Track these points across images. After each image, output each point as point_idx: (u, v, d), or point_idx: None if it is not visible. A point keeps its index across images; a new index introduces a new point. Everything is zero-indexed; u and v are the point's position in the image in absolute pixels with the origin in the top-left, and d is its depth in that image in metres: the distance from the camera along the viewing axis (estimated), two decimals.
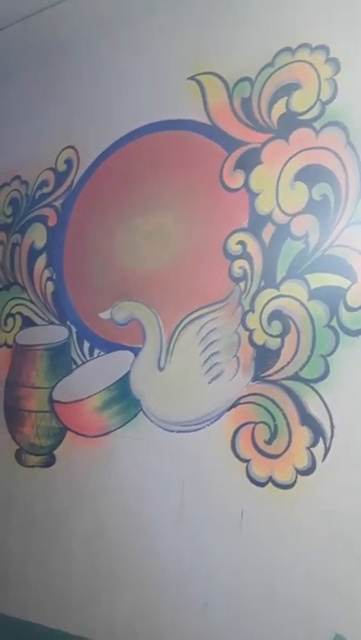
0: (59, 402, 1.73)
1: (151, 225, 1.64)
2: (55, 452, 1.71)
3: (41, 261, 1.87)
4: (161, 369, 1.55)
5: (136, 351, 1.61)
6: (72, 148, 1.86)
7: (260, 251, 1.42)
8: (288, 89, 1.45)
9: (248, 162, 1.48)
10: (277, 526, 1.30)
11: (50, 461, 1.71)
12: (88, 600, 1.57)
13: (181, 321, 1.54)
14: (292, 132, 1.42)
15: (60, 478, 1.68)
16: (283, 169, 1.42)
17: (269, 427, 1.35)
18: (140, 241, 1.65)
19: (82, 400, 1.67)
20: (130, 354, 1.62)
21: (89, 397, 1.66)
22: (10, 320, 1.90)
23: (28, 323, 1.86)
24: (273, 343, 1.37)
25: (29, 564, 1.72)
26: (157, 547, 1.47)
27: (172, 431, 1.50)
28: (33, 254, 1.89)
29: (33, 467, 1.75)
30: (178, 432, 1.49)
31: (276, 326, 1.37)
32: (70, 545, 1.63)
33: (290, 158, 1.42)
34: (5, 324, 1.91)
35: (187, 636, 1.38)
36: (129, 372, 1.61)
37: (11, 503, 1.78)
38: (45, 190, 1.90)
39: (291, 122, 1.43)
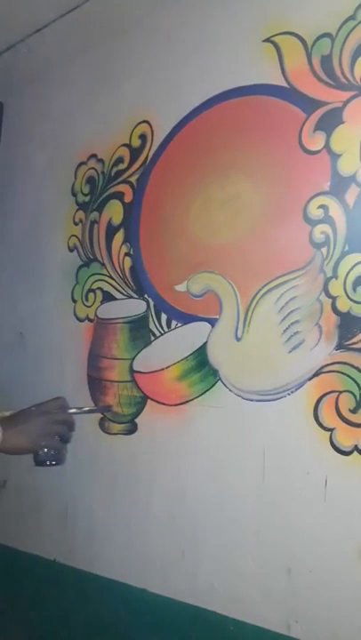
0: (139, 372, 1.78)
1: (227, 194, 1.62)
2: (137, 420, 1.77)
3: (118, 237, 1.92)
4: (238, 339, 1.55)
5: (213, 322, 1.61)
6: (146, 122, 1.87)
7: (344, 214, 1.37)
8: None
9: (329, 122, 1.42)
10: None
11: (132, 429, 1.78)
12: (170, 562, 1.62)
13: (259, 290, 1.52)
14: None
15: (141, 445, 1.74)
16: None
17: (355, 395, 1.31)
18: (216, 211, 1.65)
19: (161, 370, 1.71)
20: (207, 325, 1.63)
21: (168, 367, 1.69)
22: (91, 295, 1.97)
23: (107, 297, 1.92)
24: (359, 310, 1.32)
25: (114, 526, 1.80)
26: (238, 513, 1.48)
27: (252, 400, 1.50)
28: (110, 231, 1.94)
29: (116, 434, 1.82)
30: (257, 401, 1.49)
31: None
32: (152, 509, 1.69)
33: None
34: (87, 299, 1.98)
35: (270, 600, 1.39)
36: (206, 342, 1.62)
37: (95, 469, 1.87)
38: (121, 167, 1.94)
39: None
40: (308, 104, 1.46)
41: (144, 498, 1.71)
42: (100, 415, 1.86)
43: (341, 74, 1.41)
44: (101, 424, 1.87)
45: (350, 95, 1.39)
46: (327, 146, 1.41)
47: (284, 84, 1.52)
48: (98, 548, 1.84)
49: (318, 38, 1.47)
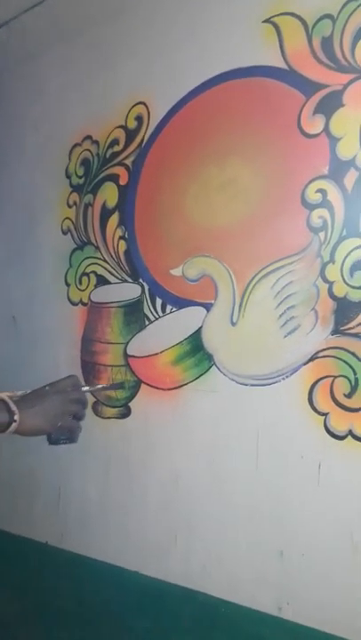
0: (133, 356, 1.77)
1: (224, 177, 1.60)
2: (130, 404, 1.76)
3: (113, 220, 1.89)
4: (234, 324, 1.54)
5: (208, 307, 1.60)
6: (142, 104, 1.84)
7: (342, 198, 1.36)
8: None
9: (329, 105, 1.40)
10: (357, 479, 1.28)
11: (125, 413, 1.77)
12: (164, 545, 1.63)
13: (255, 275, 1.51)
14: None
15: (135, 429, 1.74)
16: None
17: (350, 380, 1.31)
18: (213, 194, 1.63)
19: (155, 354, 1.70)
20: (202, 309, 1.62)
21: (162, 352, 1.69)
22: (84, 279, 1.95)
23: (102, 281, 1.90)
24: (355, 295, 1.32)
25: (108, 510, 1.80)
26: (232, 496, 1.49)
27: (246, 385, 1.50)
28: (105, 214, 1.92)
29: (109, 418, 1.82)
30: (252, 385, 1.49)
31: (359, 277, 1.32)
32: (146, 492, 1.69)
33: None
34: (80, 283, 1.96)
35: (262, 582, 1.41)
36: (201, 327, 1.61)
37: (88, 452, 1.86)
38: (116, 149, 1.91)
39: None
40: (308, 86, 1.44)
41: (137, 481, 1.72)
42: (92, 399, 1.86)
43: (342, 56, 1.40)
44: (95, 408, 1.86)
45: (351, 78, 1.37)
46: (326, 129, 1.40)
47: (284, 66, 1.50)
48: (90, 530, 1.84)
49: (319, 20, 1.44)
